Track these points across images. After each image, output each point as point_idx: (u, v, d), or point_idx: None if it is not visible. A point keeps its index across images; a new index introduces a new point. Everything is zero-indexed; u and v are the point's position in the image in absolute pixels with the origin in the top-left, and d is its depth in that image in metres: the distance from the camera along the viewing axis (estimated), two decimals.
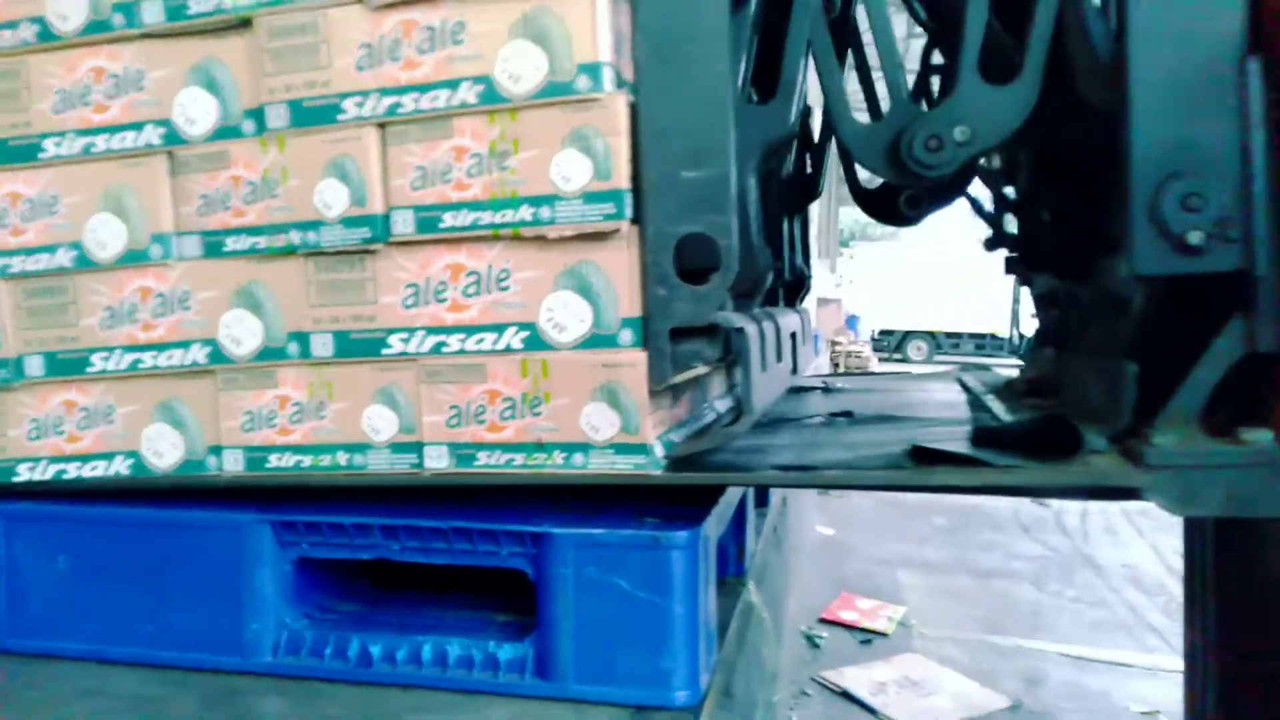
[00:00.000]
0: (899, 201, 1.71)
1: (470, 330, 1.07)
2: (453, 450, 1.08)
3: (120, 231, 1.17)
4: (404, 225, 1.07)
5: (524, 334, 1.06)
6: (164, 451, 1.18)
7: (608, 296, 1.03)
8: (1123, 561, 4.84)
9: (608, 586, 1.02)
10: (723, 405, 1.40)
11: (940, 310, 18.70)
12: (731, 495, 1.36)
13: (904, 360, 18.79)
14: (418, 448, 1.10)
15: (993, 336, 18.87)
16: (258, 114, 1.11)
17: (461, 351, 1.07)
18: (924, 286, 18.59)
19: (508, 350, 1.06)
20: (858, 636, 3.73)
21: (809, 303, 7.30)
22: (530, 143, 1.03)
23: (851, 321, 12.83)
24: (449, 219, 1.05)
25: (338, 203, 1.08)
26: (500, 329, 1.06)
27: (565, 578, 1.03)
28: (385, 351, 1.09)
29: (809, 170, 2.02)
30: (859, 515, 5.71)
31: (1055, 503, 6.12)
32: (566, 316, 1.04)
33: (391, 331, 1.09)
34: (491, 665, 1.07)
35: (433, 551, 1.11)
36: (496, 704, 1.03)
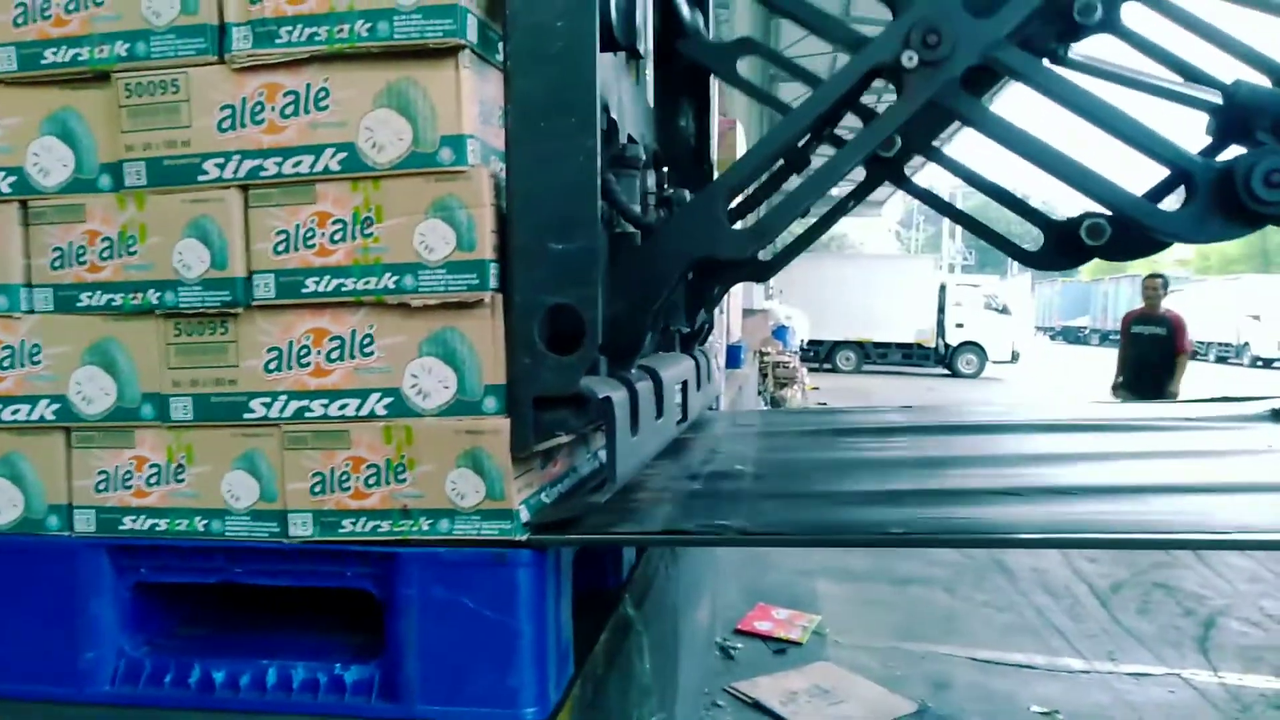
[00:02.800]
0: (1080, 233, 1.67)
1: (334, 395, 1.06)
2: (317, 518, 1.07)
3: None
4: (266, 289, 1.05)
5: (388, 400, 1.05)
6: (1, 508, 1.14)
7: (472, 364, 1.03)
8: (1033, 566, 4.99)
9: (454, 605, 1.03)
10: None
11: (868, 321, 19.08)
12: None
13: (833, 370, 19.15)
14: (280, 515, 1.08)
15: (919, 347, 19.30)
16: (115, 169, 1.08)
17: (325, 417, 1.06)
18: (852, 297, 18.98)
19: (372, 416, 1.05)
20: (772, 646, 3.77)
21: (735, 312, 7.28)
22: (394, 211, 1.02)
23: (780, 332, 12.93)
24: (312, 284, 1.04)
25: (198, 264, 1.06)
26: (364, 395, 1.05)
27: (410, 598, 1.04)
28: (247, 416, 1.08)
29: None
30: None
31: None
32: (430, 383, 1.04)
33: (253, 396, 1.07)
34: (337, 688, 1.07)
35: (277, 574, 1.11)
36: None
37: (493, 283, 1.02)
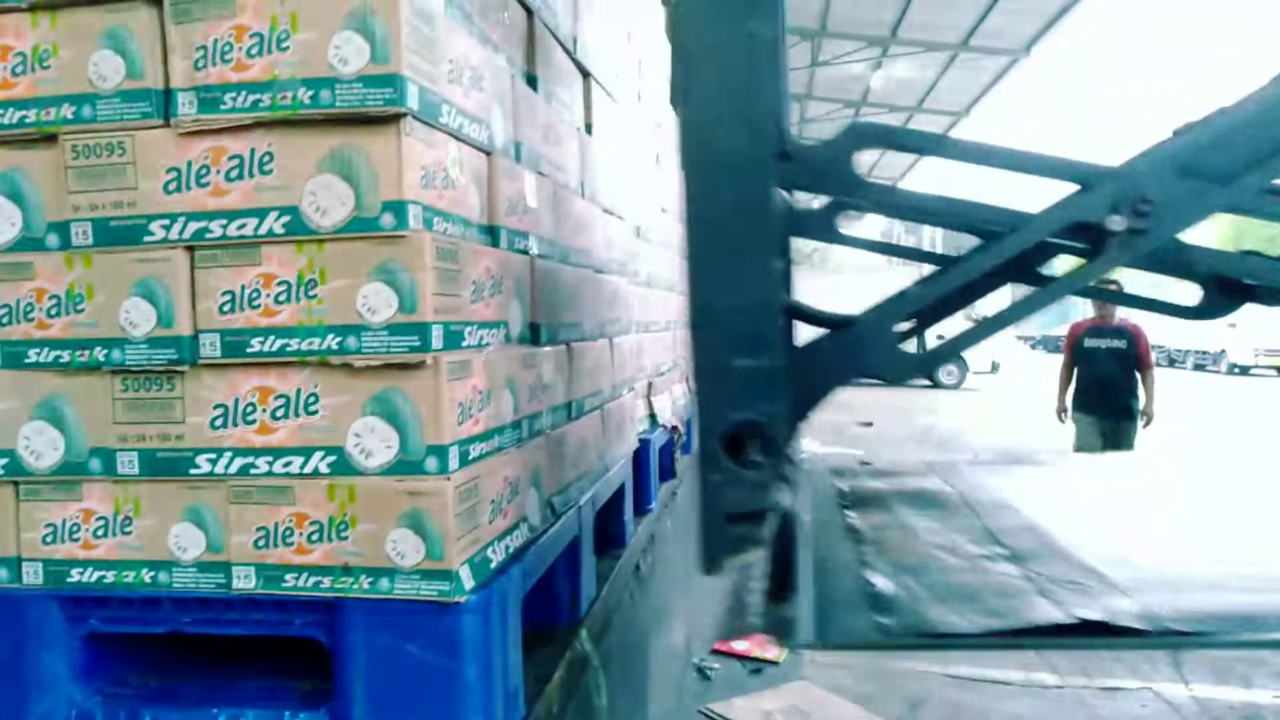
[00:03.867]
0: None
1: (278, 453, 1.07)
2: (260, 571, 1.08)
3: None
4: (212, 348, 1.06)
5: (331, 458, 1.06)
6: None
7: (414, 424, 1.04)
8: None
9: (399, 652, 1.05)
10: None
11: None
12: (552, 544, 1.39)
13: None
14: (225, 567, 1.09)
15: None
16: (63, 228, 1.09)
17: (269, 474, 1.07)
18: (834, 309, 19.07)
19: (315, 474, 1.07)
20: (749, 666, 3.78)
21: None
22: (337, 274, 1.03)
23: None
24: (257, 344, 1.05)
25: (144, 322, 1.07)
26: (308, 453, 1.07)
27: (356, 645, 1.06)
28: (193, 471, 1.09)
29: None
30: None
31: None
32: (373, 442, 1.05)
33: (199, 451, 1.08)
34: None
35: (225, 624, 1.12)
36: None
37: (435, 344, 1.03)
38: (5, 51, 1.07)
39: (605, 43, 2.01)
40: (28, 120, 1.08)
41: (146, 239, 1.06)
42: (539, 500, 1.36)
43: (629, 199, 2.27)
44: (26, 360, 1.11)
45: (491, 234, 1.27)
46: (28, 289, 1.10)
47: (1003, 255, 1.25)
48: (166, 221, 1.06)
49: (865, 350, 1.26)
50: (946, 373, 19.28)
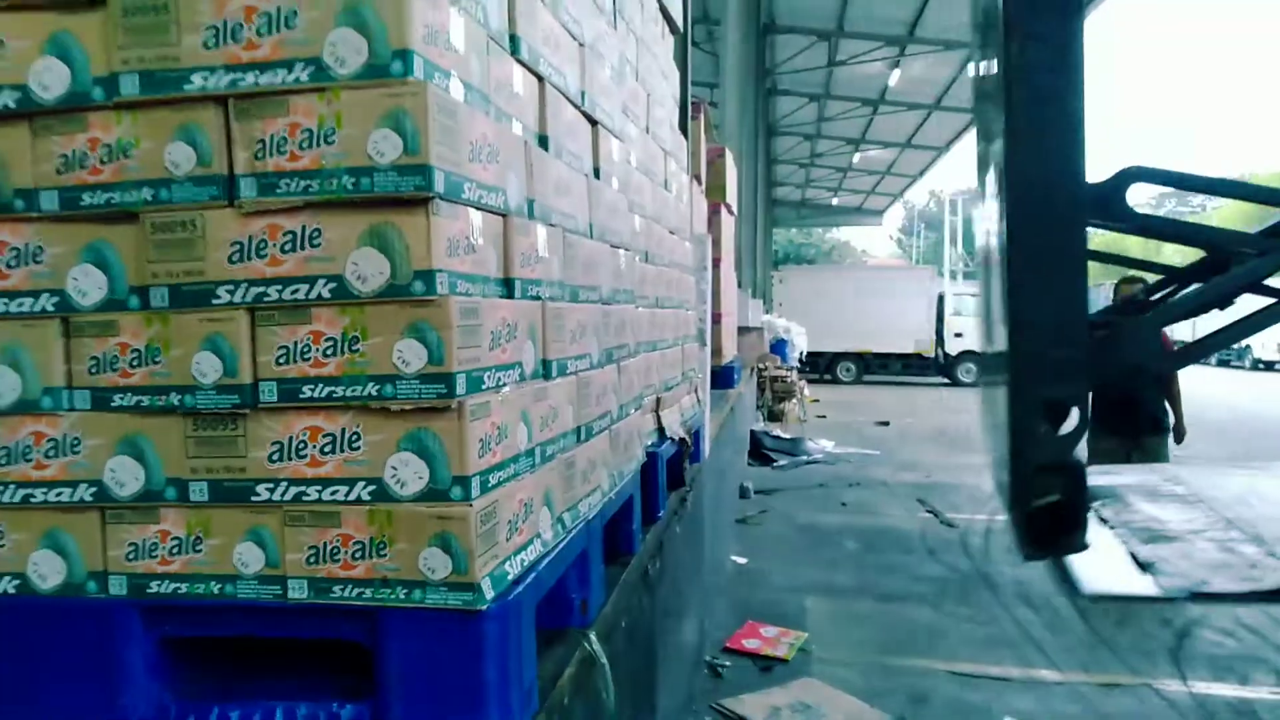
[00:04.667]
0: None
1: (326, 483, 1.26)
2: (311, 584, 1.27)
3: (15, 383, 1.33)
4: (269, 394, 1.25)
5: (372, 487, 1.25)
6: (47, 575, 1.34)
7: (442, 458, 1.23)
8: (1016, 579, 5.12)
9: (429, 654, 1.24)
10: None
11: (868, 332, 19.33)
12: (562, 556, 1.57)
13: (834, 381, 19.43)
14: (282, 580, 1.28)
15: (919, 357, 19.51)
16: (143, 292, 1.28)
17: (319, 500, 1.26)
18: (851, 309, 19.26)
19: (358, 501, 1.25)
20: (760, 664, 3.94)
21: (729, 334, 7.37)
22: (376, 332, 1.21)
23: (779, 346, 13.09)
24: (308, 391, 1.24)
25: (212, 372, 1.26)
26: (352, 483, 1.25)
27: (394, 647, 1.25)
28: (254, 499, 1.27)
29: None
30: (773, 543, 5.97)
31: (962, 524, 6.45)
32: (407, 474, 1.23)
33: (259, 481, 1.27)
34: None
35: (281, 628, 1.31)
36: None
37: (459, 390, 1.21)
38: (95, 143, 1.27)
39: (612, 90, 2.19)
40: (113, 201, 1.27)
41: (214, 301, 1.25)
42: (551, 517, 1.54)
43: (637, 230, 2.44)
44: (113, 404, 1.30)
45: (507, 285, 1.45)
46: (113, 343, 1.29)
47: (1262, 274, 1.64)
48: (231, 287, 1.24)
49: (1141, 346, 1.69)
50: (964, 371, 19.31)
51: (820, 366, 19.48)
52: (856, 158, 26.83)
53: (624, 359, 2.16)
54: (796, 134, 25.16)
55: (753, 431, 9.31)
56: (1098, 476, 2.97)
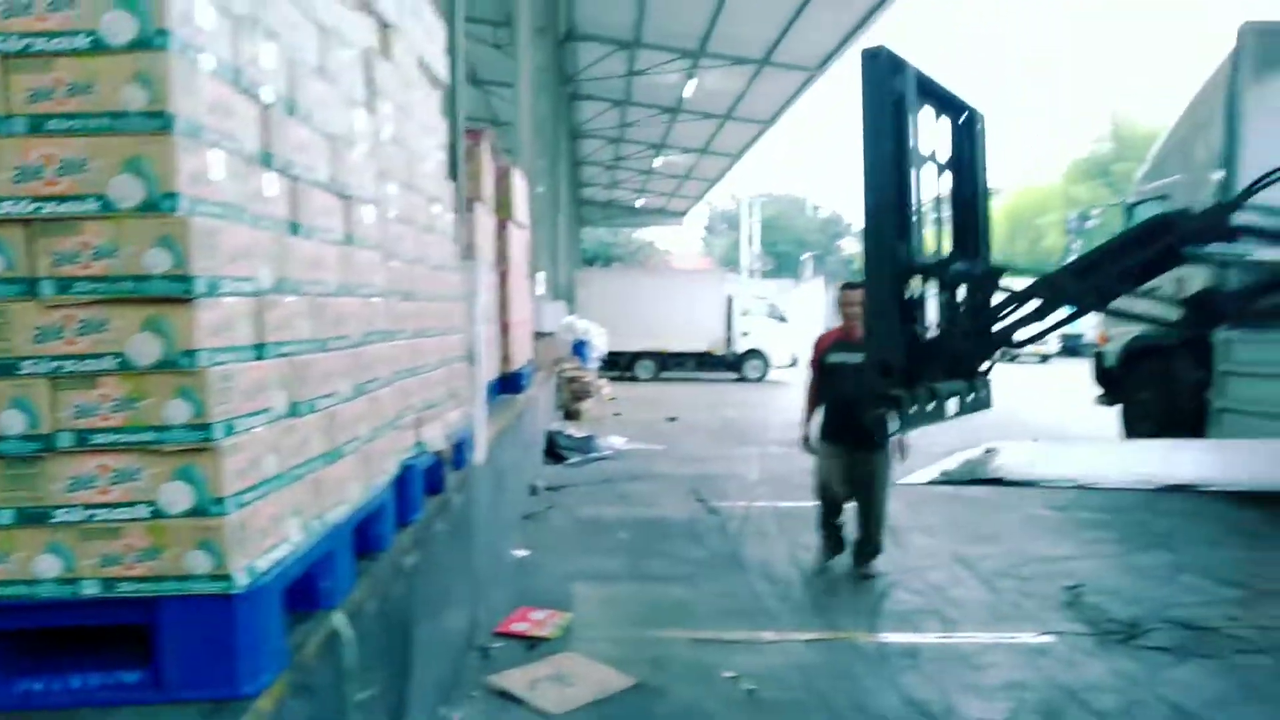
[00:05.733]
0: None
1: (113, 506, 1.68)
2: (102, 583, 1.68)
3: None
4: (65, 441, 1.65)
5: (149, 509, 1.68)
6: None
7: (204, 484, 1.67)
8: (762, 559, 5.92)
9: (196, 626, 1.69)
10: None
11: (664, 332, 20.69)
12: (309, 553, 2.03)
13: (634, 379, 20.64)
14: (77, 582, 1.68)
15: (711, 355, 21.11)
16: None
17: (106, 521, 1.67)
18: (649, 310, 20.62)
19: (138, 519, 1.68)
20: (528, 645, 4.34)
21: (522, 342, 7.89)
22: (150, 394, 1.65)
23: (579, 348, 13.74)
24: (100, 438, 1.65)
25: (18, 425, 1.64)
26: (133, 505, 1.68)
27: (167, 624, 1.69)
28: (50, 521, 1.67)
29: None
30: (554, 536, 6.52)
31: (725, 510, 7.28)
32: (177, 497, 1.68)
33: (58, 507, 1.67)
34: (123, 686, 1.71)
35: (80, 618, 1.71)
36: (126, 712, 1.68)
37: (217, 435, 1.67)
38: None
39: (363, 166, 2.65)
40: None
41: (17, 372, 1.63)
42: (299, 524, 2.00)
43: (397, 275, 2.91)
44: None
45: (259, 349, 1.90)
46: None
47: None
48: (34, 361, 1.63)
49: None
50: (752, 368, 20.93)
51: (621, 365, 20.47)
52: (658, 162, 28.13)
53: (376, 390, 2.63)
54: (601, 138, 26.10)
55: (548, 431, 9.87)
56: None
